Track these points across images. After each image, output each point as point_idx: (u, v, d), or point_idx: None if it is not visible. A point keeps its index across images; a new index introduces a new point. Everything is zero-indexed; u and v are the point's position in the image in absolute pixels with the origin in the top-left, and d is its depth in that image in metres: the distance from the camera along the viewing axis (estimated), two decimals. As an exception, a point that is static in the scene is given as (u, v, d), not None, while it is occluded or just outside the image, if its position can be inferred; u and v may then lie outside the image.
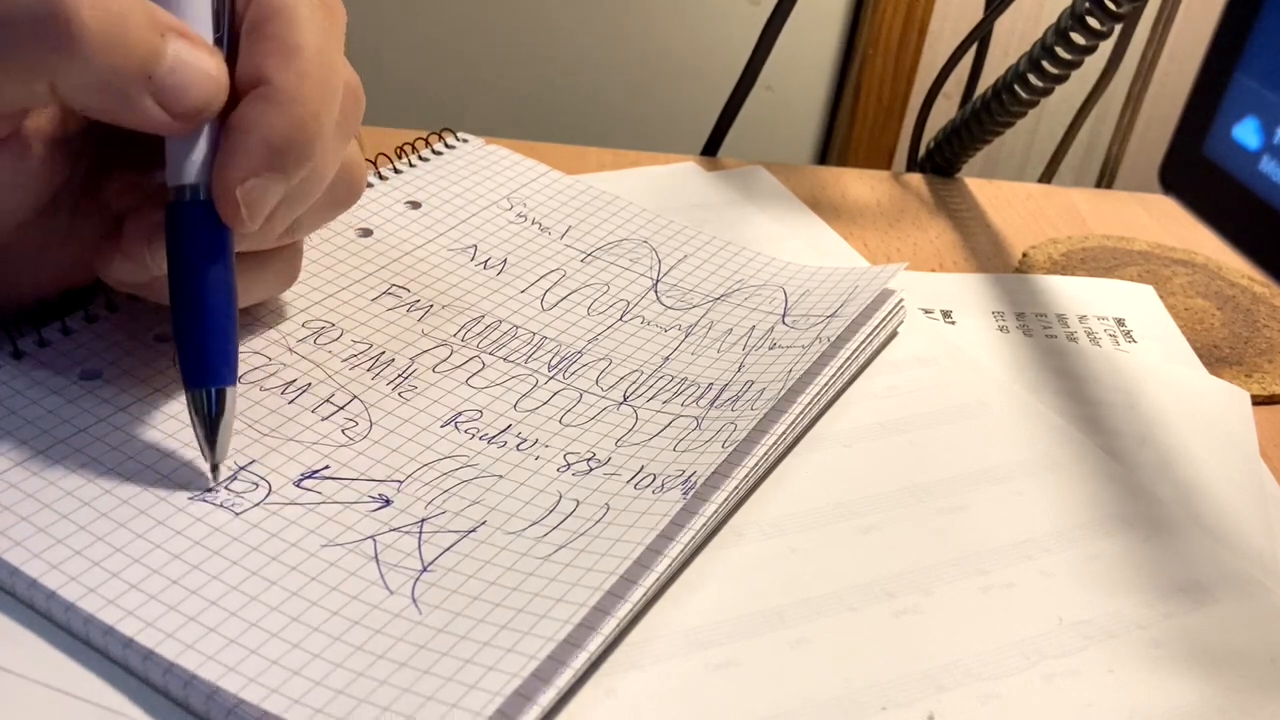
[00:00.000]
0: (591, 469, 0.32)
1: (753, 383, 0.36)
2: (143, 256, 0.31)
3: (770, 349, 0.38)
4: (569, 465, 0.33)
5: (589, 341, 0.38)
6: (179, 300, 0.30)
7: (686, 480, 0.31)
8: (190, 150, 0.29)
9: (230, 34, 0.31)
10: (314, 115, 0.29)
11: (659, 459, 0.33)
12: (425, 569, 0.29)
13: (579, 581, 0.28)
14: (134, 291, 0.33)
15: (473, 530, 0.30)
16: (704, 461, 0.32)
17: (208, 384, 0.30)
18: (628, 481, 0.32)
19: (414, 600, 0.28)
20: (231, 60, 0.30)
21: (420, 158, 0.46)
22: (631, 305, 0.40)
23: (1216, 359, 0.44)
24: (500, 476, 0.32)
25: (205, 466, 0.30)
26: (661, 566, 0.28)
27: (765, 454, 0.32)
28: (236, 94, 0.30)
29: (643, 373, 0.37)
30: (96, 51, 0.27)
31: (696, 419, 0.34)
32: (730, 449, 0.32)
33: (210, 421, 0.30)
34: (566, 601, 0.27)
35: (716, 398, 0.35)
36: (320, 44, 0.30)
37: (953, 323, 0.44)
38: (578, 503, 0.31)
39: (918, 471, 0.35)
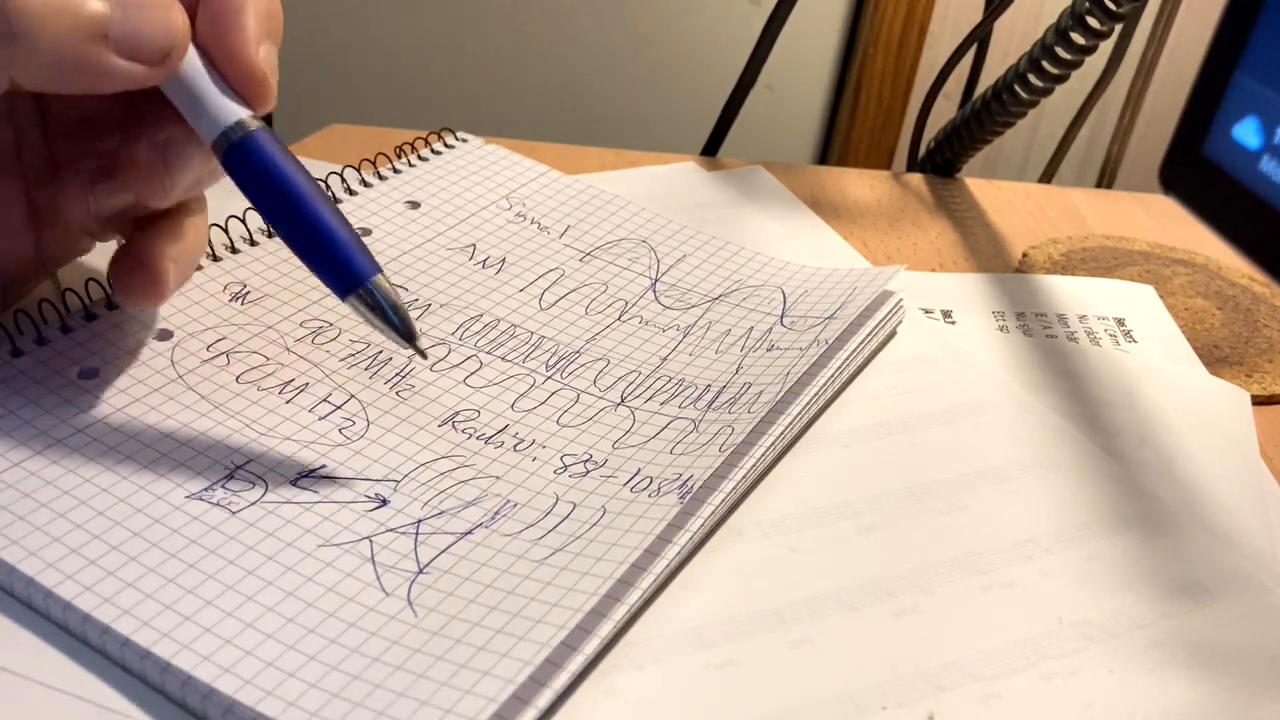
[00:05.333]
0: (588, 471, 0.32)
1: (750, 385, 0.36)
2: (161, 184, 0.30)
3: (768, 350, 0.38)
4: (566, 467, 0.33)
5: (587, 341, 0.38)
6: (288, 231, 0.30)
7: (683, 484, 0.31)
8: (209, 94, 0.29)
9: None
10: None
11: (656, 461, 0.32)
12: (421, 570, 0.29)
13: (574, 586, 0.28)
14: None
15: (469, 532, 0.30)
16: (701, 465, 0.32)
17: (362, 282, 0.30)
18: (624, 484, 0.32)
19: (409, 603, 0.28)
20: None
21: (420, 157, 0.46)
22: (630, 305, 0.40)
23: (1216, 359, 0.44)
24: (497, 477, 0.32)
25: (406, 353, 0.30)
26: (658, 569, 0.28)
27: (761, 458, 0.32)
28: None
29: (640, 373, 0.37)
30: (42, 30, 0.26)
31: (694, 421, 0.34)
32: (727, 453, 0.32)
33: (387, 310, 0.30)
34: (562, 607, 0.27)
35: (714, 399, 0.35)
36: None
37: (953, 323, 0.44)
38: (574, 505, 0.31)
39: (918, 471, 0.35)
